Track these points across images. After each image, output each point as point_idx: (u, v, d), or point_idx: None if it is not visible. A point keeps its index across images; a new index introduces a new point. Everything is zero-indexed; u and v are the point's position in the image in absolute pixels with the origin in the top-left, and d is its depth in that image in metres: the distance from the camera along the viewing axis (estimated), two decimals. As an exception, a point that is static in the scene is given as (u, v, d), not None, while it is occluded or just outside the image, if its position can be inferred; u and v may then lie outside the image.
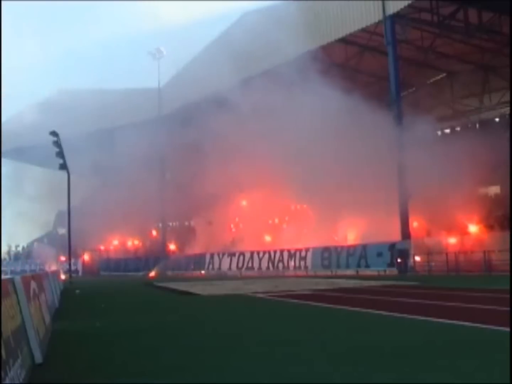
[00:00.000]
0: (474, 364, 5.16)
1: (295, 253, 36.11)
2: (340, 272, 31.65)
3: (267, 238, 41.00)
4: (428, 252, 28.61)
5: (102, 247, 58.41)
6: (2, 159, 48.22)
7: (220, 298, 15.31)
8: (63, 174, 33.38)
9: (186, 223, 54.26)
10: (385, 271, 29.50)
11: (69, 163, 32.47)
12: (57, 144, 31.74)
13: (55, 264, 47.66)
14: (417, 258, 29.19)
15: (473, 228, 29.57)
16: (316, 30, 35.63)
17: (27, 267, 54.95)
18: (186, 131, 38.80)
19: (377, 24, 32.35)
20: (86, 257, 56.38)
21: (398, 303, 11.69)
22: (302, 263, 35.47)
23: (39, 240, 63.76)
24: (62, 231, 39.32)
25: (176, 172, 48.27)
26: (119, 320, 10.67)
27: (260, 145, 34.46)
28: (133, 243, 57.35)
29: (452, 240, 28.77)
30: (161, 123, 46.45)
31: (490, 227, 29.35)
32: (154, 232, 56.30)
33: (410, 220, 30.18)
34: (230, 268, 41.02)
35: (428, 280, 20.15)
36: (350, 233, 35.11)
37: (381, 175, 29.58)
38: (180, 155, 43.55)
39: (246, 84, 35.24)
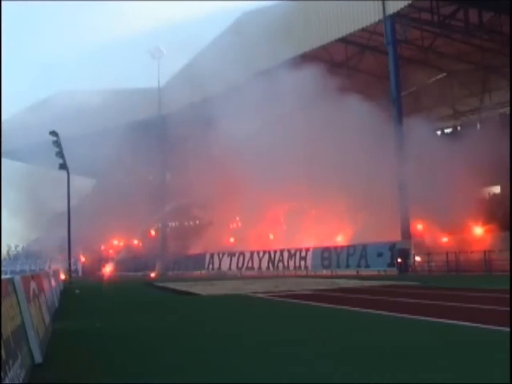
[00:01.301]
0: (474, 364, 5.16)
1: (295, 253, 36.10)
2: (340, 272, 31.64)
3: (270, 236, 40.92)
4: (428, 252, 28.61)
5: (102, 247, 58.38)
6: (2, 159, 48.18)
7: (220, 298, 15.31)
8: (58, 173, 33.31)
9: (186, 223, 54.27)
10: (385, 271, 29.50)
11: (67, 163, 32.44)
12: (57, 143, 31.70)
13: (58, 262, 47.19)
14: (417, 258, 29.20)
15: (473, 228, 29.55)
16: (316, 30, 35.65)
17: (26, 267, 54.87)
18: (186, 132, 38.77)
19: (377, 23, 32.35)
20: (83, 258, 56.30)
21: (398, 303, 11.69)
22: (302, 263, 35.46)
23: (38, 239, 63.58)
24: (61, 231, 39.23)
25: (176, 172, 48.26)
26: (119, 320, 10.67)
27: (260, 146, 34.47)
28: (132, 243, 57.29)
29: (452, 240, 28.75)
30: (160, 123, 46.47)
31: (490, 227, 29.33)
32: (152, 232, 56.29)
33: (410, 220, 30.15)
34: (230, 268, 41.01)
35: (428, 280, 20.16)
36: (349, 233, 35.10)
37: (381, 175, 29.57)
38: (180, 155, 43.52)
39: (246, 84, 35.23)
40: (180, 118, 39.87)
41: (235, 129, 34.00)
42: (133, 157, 46.13)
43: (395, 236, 29.60)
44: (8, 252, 65.84)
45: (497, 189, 36.06)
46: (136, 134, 44.22)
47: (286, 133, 33.42)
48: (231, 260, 41.33)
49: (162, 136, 46.61)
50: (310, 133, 32.76)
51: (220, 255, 42.43)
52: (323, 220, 35.01)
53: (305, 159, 33.40)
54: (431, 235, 30.19)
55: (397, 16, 31.05)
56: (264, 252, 38.62)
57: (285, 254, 36.80)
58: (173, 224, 55.43)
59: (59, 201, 41.46)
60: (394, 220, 29.57)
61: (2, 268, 51.86)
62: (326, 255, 33.86)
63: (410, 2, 30.32)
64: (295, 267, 35.85)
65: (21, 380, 4.50)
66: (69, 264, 34.30)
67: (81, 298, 18.51)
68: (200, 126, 37.13)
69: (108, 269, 47.04)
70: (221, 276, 36.30)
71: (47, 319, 8.43)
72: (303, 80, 31.89)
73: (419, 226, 31.56)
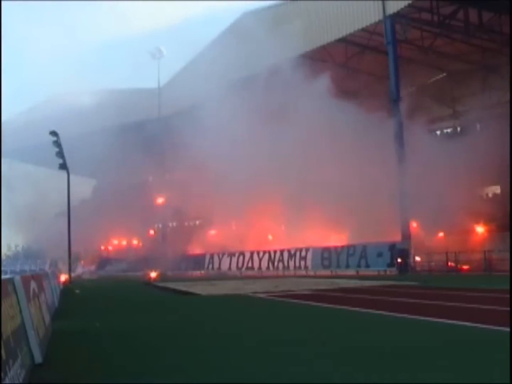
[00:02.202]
0: (474, 364, 5.16)
1: (295, 253, 36.09)
2: (340, 272, 31.63)
3: (269, 237, 40.91)
4: (428, 252, 28.60)
5: (102, 247, 58.44)
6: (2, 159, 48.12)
7: (220, 298, 15.30)
8: (59, 174, 33.29)
9: (186, 223, 54.27)
10: (385, 271, 29.49)
11: (67, 163, 32.46)
12: (57, 143, 31.70)
13: (58, 262, 46.93)
14: (417, 258, 29.19)
15: (473, 228, 29.56)
16: (316, 30, 35.64)
17: (26, 267, 54.81)
18: (184, 133, 38.73)
19: (377, 23, 32.36)
20: (83, 256, 56.27)
21: (398, 303, 11.69)
22: (302, 263, 35.45)
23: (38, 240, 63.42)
24: (59, 231, 39.07)
25: (175, 172, 48.24)
26: (119, 320, 10.66)
27: (256, 148, 34.49)
28: (132, 243, 57.34)
29: (452, 240, 28.76)
30: (160, 124, 46.44)
31: (490, 227, 29.34)
32: (152, 232, 56.28)
33: (410, 220, 30.13)
34: (230, 268, 41.00)
35: (428, 280, 20.15)
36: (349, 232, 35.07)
37: (381, 175, 29.55)
38: (180, 155, 43.50)
39: (245, 85, 35.21)
40: (179, 119, 39.83)
41: (231, 131, 34.04)
42: (133, 157, 46.09)
43: (395, 236, 29.60)
44: (5, 252, 65.74)
45: (497, 189, 36.06)
46: (136, 135, 44.18)
47: (283, 134, 33.41)
48: (231, 260, 41.32)
49: (161, 136, 46.55)
50: (308, 133, 32.75)
51: (220, 255, 42.41)
52: (323, 221, 34.98)
53: (303, 161, 33.38)
54: (431, 235, 30.21)
55: (397, 16, 31.06)
56: (264, 252, 38.61)
57: (285, 254, 36.79)
58: (173, 224, 55.46)
59: (54, 203, 41.40)
60: (393, 220, 29.57)
61: (2, 268, 51.79)
62: (326, 255, 33.85)
63: (410, 2, 30.33)
64: (295, 267, 35.84)
65: (21, 380, 4.50)
66: (69, 264, 34.28)
67: (81, 298, 18.50)
68: (198, 127, 37.10)
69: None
70: (221, 276, 36.29)
71: (47, 319, 8.43)
72: (299, 80, 31.89)
73: (418, 226, 31.55)
